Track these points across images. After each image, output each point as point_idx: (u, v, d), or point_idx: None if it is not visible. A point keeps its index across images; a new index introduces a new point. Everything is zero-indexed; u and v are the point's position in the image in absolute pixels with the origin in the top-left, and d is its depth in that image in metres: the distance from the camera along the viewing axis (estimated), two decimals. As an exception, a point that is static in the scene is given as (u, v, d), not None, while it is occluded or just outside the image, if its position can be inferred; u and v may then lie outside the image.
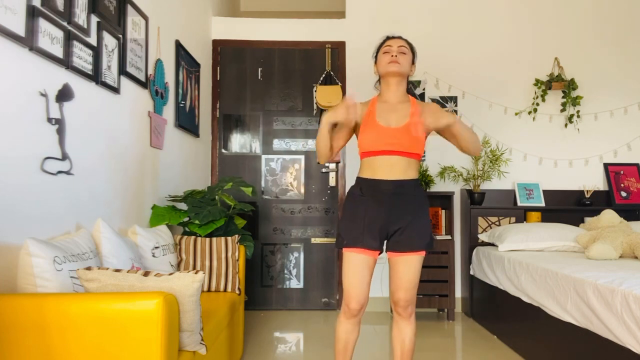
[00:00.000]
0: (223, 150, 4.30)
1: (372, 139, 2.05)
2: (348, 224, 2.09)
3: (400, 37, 2.16)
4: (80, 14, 2.04)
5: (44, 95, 1.82)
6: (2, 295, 1.43)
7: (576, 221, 4.14)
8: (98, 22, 2.20)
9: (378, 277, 4.17)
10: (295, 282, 4.27)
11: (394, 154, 2.04)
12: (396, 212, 2.05)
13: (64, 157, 1.94)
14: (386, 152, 2.04)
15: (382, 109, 2.11)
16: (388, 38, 2.17)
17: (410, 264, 2.05)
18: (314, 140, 2.08)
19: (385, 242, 2.12)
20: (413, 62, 2.16)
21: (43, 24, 1.78)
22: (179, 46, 3.30)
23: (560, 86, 4.18)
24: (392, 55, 2.08)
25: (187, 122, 3.50)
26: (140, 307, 1.40)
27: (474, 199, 4.02)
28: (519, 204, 4.09)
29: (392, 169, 2.05)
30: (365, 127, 2.08)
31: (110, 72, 2.31)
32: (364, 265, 2.06)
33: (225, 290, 2.69)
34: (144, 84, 2.70)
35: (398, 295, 2.07)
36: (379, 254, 2.09)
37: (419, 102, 2.17)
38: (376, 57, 2.18)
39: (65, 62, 1.93)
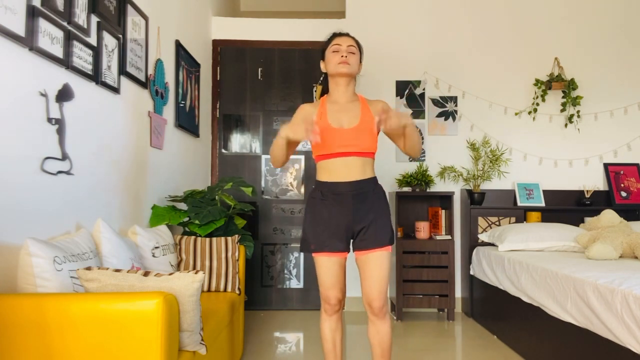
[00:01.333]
0: (223, 150, 4.30)
1: (326, 142, 2.03)
2: (313, 229, 2.07)
3: (348, 35, 2.12)
4: (80, 14, 2.04)
5: (44, 95, 1.82)
6: (2, 295, 1.43)
7: (576, 221, 4.14)
8: (98, 22, 2.20)
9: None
10: (295, 282, 4.27)
11: (350, 155, 2.03)
12: (360, 212, 2.04)
13: (64, 157, 1.94)
14: (341, 153, 2.02)
15: (333, 110, 2.08)
16: (335, 35, 2.12)
17: (379, 261, 2.03)
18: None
19: (351, 241, 2.11)
20: (360, 61, 2.13)
21: (43, 24, 1.78)
22: (179, 46, 3.30)
23: (560, 86, 4.18)
24: (342, 56, 2.04)
25: (187, 122, 3.50)
26: (140, 307, 1.40)
27: (474, 199, 4.02)
28: (519, 204, 4.09)
29: (349, 170, 2.03)
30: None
31: (110, 72, 2.31)
32: (336, 267, 2.07)
33: (225, 290, 2.69)
34: (144, 84, 2.70)
35: (373, 296, 2.04)
36: (348, 253, 2.09)
37: (368, 100, 2.14)
38: (323, 54, 2.13)
39: (65, 62, 1.92)
